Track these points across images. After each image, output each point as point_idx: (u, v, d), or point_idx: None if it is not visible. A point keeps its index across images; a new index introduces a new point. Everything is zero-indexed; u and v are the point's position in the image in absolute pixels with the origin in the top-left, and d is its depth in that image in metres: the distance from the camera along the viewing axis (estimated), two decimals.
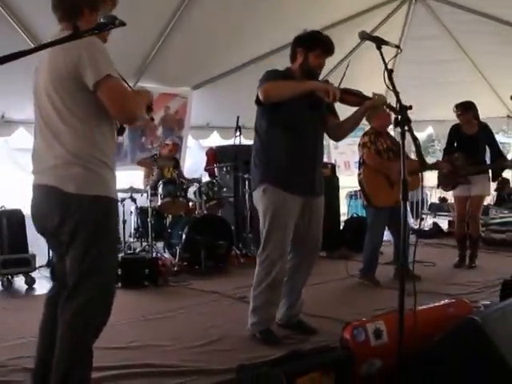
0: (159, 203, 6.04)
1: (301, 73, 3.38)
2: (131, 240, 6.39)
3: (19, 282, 5.16)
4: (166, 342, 3.39)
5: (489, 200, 8.28)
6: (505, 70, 7.88)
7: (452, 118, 6.08)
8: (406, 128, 2.34)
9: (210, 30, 6.17)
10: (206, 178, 7.03)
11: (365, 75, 6.35)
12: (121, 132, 2.39)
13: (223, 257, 5.90)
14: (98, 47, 2.09)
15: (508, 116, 9.29)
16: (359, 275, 5.11)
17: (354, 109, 3.42)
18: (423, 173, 4.23)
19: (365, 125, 5.30)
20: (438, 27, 7.59)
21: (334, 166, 7.67)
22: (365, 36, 2.61)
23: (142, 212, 6.28)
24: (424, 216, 9.34)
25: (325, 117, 3.46)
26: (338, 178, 7.48)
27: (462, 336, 2.41)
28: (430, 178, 7.02)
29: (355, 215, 7.81)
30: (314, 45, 3.33)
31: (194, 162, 8.13)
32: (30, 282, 5.09)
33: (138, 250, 6.11)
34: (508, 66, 7.76)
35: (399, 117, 2.37)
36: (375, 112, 4.64)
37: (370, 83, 5.84)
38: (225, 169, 6.87)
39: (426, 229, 8.46)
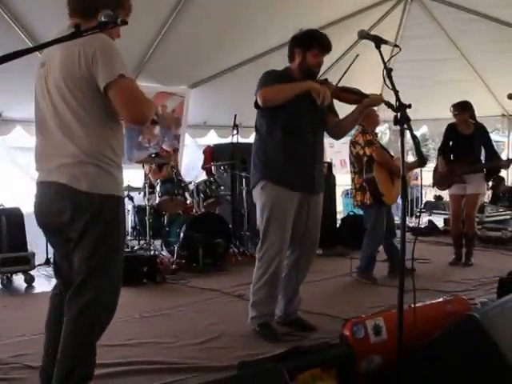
0: (157, 201, 6.06)
1: (300, 72, 3.40)
2: (129, 238, 6.40)
3: (19, 280, 5.16)
4: (165, 339, 3.41)
5: (485, 198, 8.35)
6: (500, 69, 7.93)
7: (447, 116, 6.11)
8: (406, 126, 2.36)
9: (207, 29, 6.18)
10: (203, 177, 7.04)
11: (361, 74, 6.39)
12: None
13: (221, 255, 5.92)
14: (112, 48, 2.08)
15: (503, 115, 9.35)
16: (357, 273, 5.15)
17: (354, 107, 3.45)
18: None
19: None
20: (434, 26, 7.64)
21: (330, 165, 7.70)
22: (364, 35, 2.62)
23: (139, 210, 6.29)
24: (420, 214, 9.38)
25: (325, 115, 3.48)
26: (334, 177, 7.54)
27: (461, 333, 2.44)
28: (426, 176, 7.05)
29: (351, 213, 7.85)
30: (311, 44, 3.35)
31: (191, 161, 8.15)
32: (30, 280, 5.09)
33: (135, 248, 6.12)
34: (503, 65, 7.81)
35: (398, 115, 2.39)
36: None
37: (366, 82, 5.91)
38: (222, 167, 6.88)
39: (422, 227, 8.50)
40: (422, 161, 2.36)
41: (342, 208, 9.37)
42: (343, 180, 9.04)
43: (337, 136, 3.67)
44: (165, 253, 6.23)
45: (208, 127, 8.16)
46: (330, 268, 5.62)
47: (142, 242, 6.22)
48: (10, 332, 3.55)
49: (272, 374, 2.02)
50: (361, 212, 5.84)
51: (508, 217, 8.18)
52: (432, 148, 19.48)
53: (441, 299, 3.05)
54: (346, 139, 5.20)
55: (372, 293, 4.61)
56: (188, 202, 6.40)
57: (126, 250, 5.95)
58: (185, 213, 6.32)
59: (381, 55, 2.49)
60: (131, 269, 5.06)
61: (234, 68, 7.22)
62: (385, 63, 2.45)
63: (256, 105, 3.33)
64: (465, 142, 5.68)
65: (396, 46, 2.60)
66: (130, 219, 6.41)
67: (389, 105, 2.65)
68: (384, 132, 14.39)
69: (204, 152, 7.55)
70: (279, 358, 2.50)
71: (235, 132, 6.46)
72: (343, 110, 3.55)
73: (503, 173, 9.06)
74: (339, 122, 3.53)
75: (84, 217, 2.11)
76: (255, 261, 3.51)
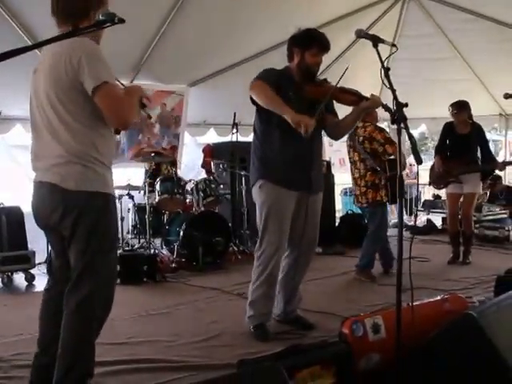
0: (157, 200, 6.07)
1: (299, 72, 3.41)
2: (129, 237, 6.42)
3: (19, 278, 5.19)
4: (165, 337, 3.42)
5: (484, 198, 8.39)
6: (497, 69, 7.94)
7: (445, 115, 6.13)
8: (402, 125, 2.38)
9: (206, 28, 6.18)
10: (202, 175, 7.06)
11: (359, 73, 6.41)
12: (117, 131, 2.54)
13: (221, 253, 5.94)
14: (98, 54, 2.20)
15: (500, 114, 9.37)
16: (356, 271, 5.16)
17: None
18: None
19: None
20: (431, 26, 7.64)
21: (329, 164, 7.73)
22: (361, 34, 2.64)
23: (139, 209, 6.31)
24: (416, 213, 9.40)
25: (323, 116, 3.49)
26: (333, 175, 7.57)
27: (457, 331, 2.46)
28: (423, 175, 7.07)
29: (350, 212, 7.87)
30: (309, 43, 3.35)
31: (190, 159, 8.15)
32: (30, 278, 5.12)
33: (136, 247, 6.14)
34: (500, 65, 7.82)
35: (396, 114, 2.41)
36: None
37: (364, 81, 5.92)
38: (222, 165, 6.89)
39: (420, 225, 8.52)
40: (417, 159, 2.39)
41: (341, 207, 9.39)
42: (342, 179, 9.06)
43: (335, 136, 3.67)
44: (165, 251, 6.25)
45: (207, 126, 8.16)
46: (329, 266, 5.64)
47: (142, 240, 6.23)
48: (10, 330, 3.57)
49: (270, 373, 2.03)
50: (359, 211, 5.85)
51: (505, 215, 8.20)
52: (431, 147, 19.50)
53: (439, 298, 3.07)
54: (345, 138, 5.19)
55: (371, 291, 4.63)
56: (187, 200, 6.42)
57: (126, 249, 5.98)
58: (184, 211, 6.33)
59: (378, 54, 2.51)
60: (131, 267, 5.10)
61: (234, 66, 7.22)
62: (382, 62, 2.47)
63: (252, 101, 3.33)
64: (462, 141, 5.70)
65: (393, 45, 2.62)
66: (130, 218, 6.42)
67: (386, 108, 2.67)
68: None
69: (203, 151, 7.56)
70: (278, 356, 2.52)
71: (235, 130, 6.47)
72: (343, 110, 3.57)
73: (501, 172, 9.11)
74: (338, 122, 3.52)
75: (73, 213, 2.23)
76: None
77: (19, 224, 5.09)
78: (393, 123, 2.46)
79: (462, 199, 5.82)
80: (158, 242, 6.39)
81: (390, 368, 2.39)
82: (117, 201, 6.29)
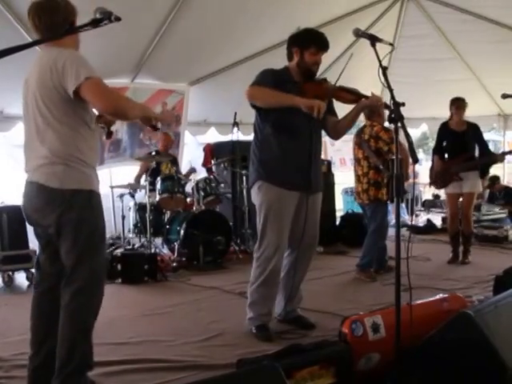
0: (157, 199, 6.08)
1: (298, 71, 3.41)
2: (130, 236, 6.43)
3: (20, 278, 5.19)
4: (166, 337, 3.43)
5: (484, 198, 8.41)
6: (496, 69, 7.95)
7: (444, 115, 6.14)
8: (400, 124, 2.40)
9: (206, 27, 6.18)
10: (203, 174, 7.07)
11: (359, 73, 6.41)
12: (109, 135, 2.78)
13: (221, 252, 5.95)
14: (79, 58, 2.33)
15: (499, 114, 9.40)
16: (356, 270, 5.17)
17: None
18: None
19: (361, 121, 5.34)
20: (430, 26, 7.65)
21: (329, 163, 7.74)
22: (359, 33, 2.66)
23: (140, 208, 6.32)
24: (412, 212, 9.40)
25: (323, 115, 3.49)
26: (333, 175, 7.58)
27: (455, 330, 2.47)
28: (424, 175, 7.08)
29: (351, 211, 7.88)
30: (308, 43, 3.36)
31: (191, 158, 8.16)
32: (31, 277, 5.07)
33: (136, 246, 6.14)
34: (499, 65, 7.84)
35: (393, 113, 2.42)
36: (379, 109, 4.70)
37: (365, 81, 5.92)
38: (222, 165, 6.90)
39: (420, 225, 8.53)
40: (414, 158, 2.40)
41: (341, 206, 9.40)
42: (343, 178, 9.08)
43: (335, 136, 3.66)
44: (165, 250, 6.26)
45: (208, 125, 8.18)
46: (329, 266, 5.65)
47: (142, 239, 6.24)
48: (11, 330, 3.57)
49: (268, 372, 2.04)
50: (360, 210, 5.85)
51: (504, 215, 8.22)
52: (432, 146, 19.46)
53: (437, 297, 3.08)
54: (346, 137, 5.19)
55: (371, 291, 4.63)
56: (188, 199, 6.43)
57: (127, 248, 5.99)
58: (185, 210, 6.33)
59: (376, 53, 2.54)
60: (132, 267, 5.10)
61: (234, 65, 7.22)
62: (380, 61, 2.50)
63: (252, 105, 3.34)
64: (458, 139, 5.72)
65: (391, 44, 2.64)
66: (131, 216, 6.43)
67: (386, 106, 2.68)
68: None
69: (204, 149, 7.58)
70: (277, 355, 2.53)
71: (235, 129, 6.48)
72: (343, 110, 3.58)
73: (498, 172, 9.13)
74: (338, 121, 3.52)
75: (58, 209, 2.36)
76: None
77: (20, 223, 5.03)
78: (390, 122, 2.48)
79: (461, 199, 5.83)
80: (158, 241, 6.39)
81: (389, 368, 2.39)
82: (118, 199, 6.39)
